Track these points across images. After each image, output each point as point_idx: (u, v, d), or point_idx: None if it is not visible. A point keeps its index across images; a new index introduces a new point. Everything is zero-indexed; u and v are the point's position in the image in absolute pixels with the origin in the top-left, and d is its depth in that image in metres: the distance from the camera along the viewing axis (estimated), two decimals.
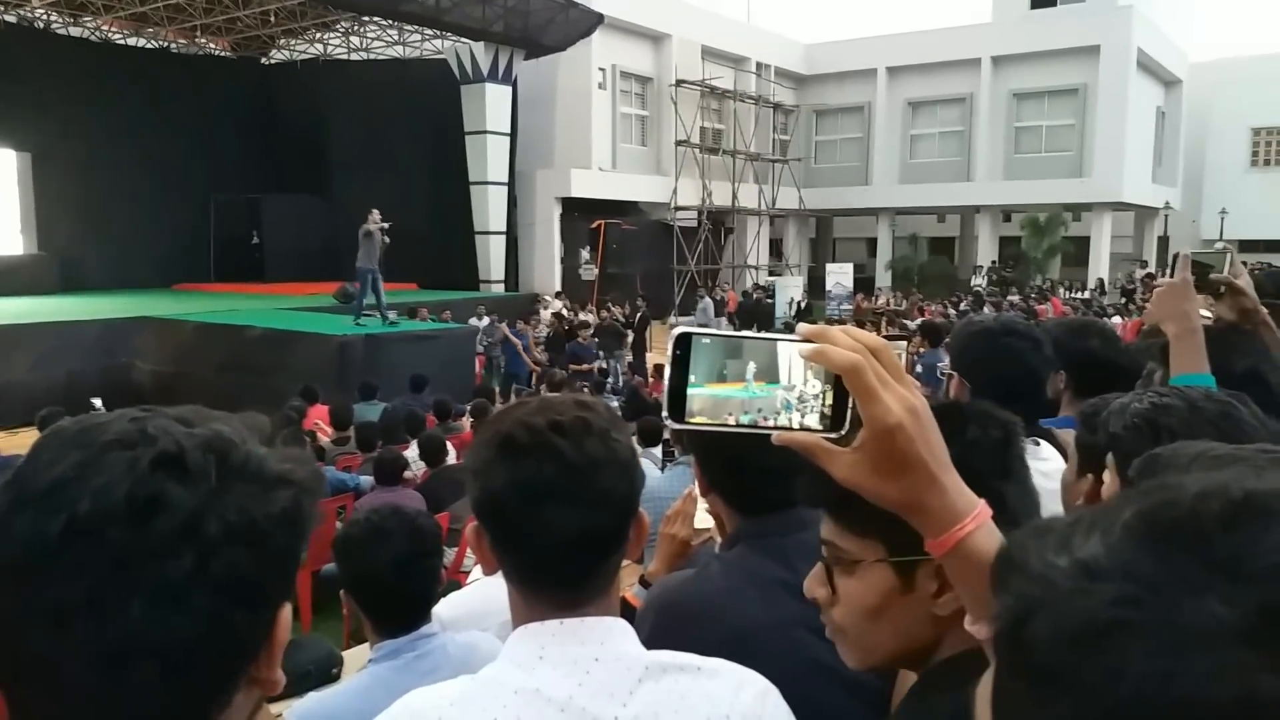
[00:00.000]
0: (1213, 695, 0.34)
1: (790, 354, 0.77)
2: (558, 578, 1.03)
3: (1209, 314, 2.02)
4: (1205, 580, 0.37)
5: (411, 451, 7.26)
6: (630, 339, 17.77)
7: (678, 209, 26.16)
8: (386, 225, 13.00)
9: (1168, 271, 1.93)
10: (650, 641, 1.08)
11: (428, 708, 1.01)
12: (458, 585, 3.11)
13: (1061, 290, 25.81)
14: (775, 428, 0.76)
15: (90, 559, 0.61)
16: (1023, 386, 1.93)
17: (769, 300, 23.99)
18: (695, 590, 1.42)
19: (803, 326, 0.79)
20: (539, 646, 1.01)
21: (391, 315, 13.65)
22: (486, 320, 16.07)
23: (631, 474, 1.05)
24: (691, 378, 0.76)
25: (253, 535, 0.65)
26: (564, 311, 19.50)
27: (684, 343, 0.76)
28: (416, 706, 1.02)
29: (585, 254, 24.34)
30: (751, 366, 0.77)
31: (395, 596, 1.88)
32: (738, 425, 0.76)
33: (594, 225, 24.44)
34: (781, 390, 0.76)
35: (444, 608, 2.12)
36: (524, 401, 1.12)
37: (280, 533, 0.67)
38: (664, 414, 0.77)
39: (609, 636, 1.03)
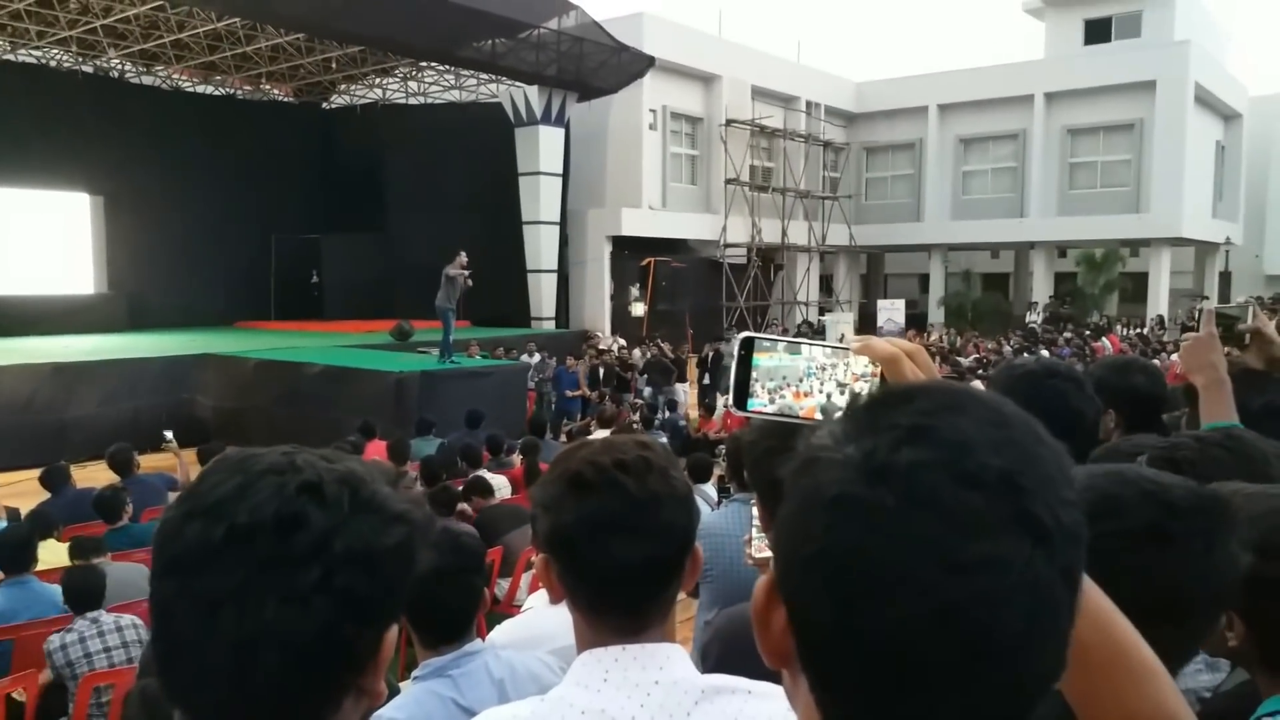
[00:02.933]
0: (832, 492, 0.56)
1: (828, 354, 0.92)
2: (621, 605, 1.11)
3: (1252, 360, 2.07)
4: (857, 434, 0.57)
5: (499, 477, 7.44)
6: (675, 375, 17.83)
7: (727, 246, 26.28)
8: (469, 272, 13.37)
9: (1195, 326, 2.01)
10: (717, 666, 1.15)
11: None
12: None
13: (1119, 327, 25.38)
14: (810, 420, 0.88)
15: (242, 561, 0.73)
16: (1069, 427, 1.97)
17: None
18: None
19: (852, 339, 0.91)
20: (603, 670, 1.09)
21: (452, 355, 13.94)
22: (538, 357, 16.28)
23: (689, 508, 1.13)
24: (753, 374, 0.90)
25: (370, 560, 0.76)
26: (614, 349, 19.67)
27: (748, 345, 0.91)
28: None
29: (635, 291, 24.54)
30: (781, 345, 0.92)
31: (435, 607, 1.95)
32: (779, 414, 0.90)
33: (644, 263, 24.65)
34: (804, 360, 0.91)
35: (498, 634, 2.21)
36: (588, 442, 1.20)
37: (393, 562, 0.78)
38: (729, 403, 0.90)
39: (668, 662, 1.10)
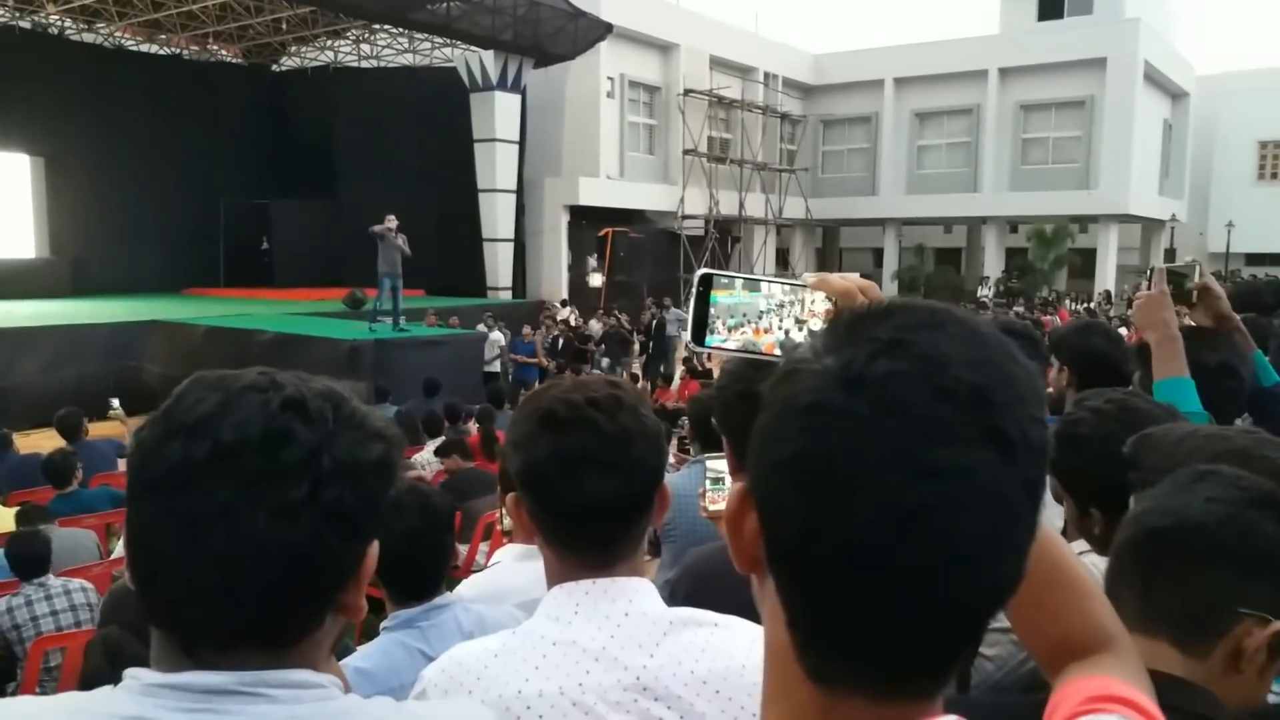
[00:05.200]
0: (807, 400, 0.56)
1: (787, 289, 0.94)
2: (592, 540, 1.13)
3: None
4: (837, 347, 0.58)
5: (423, 454, 7.37)
6: (635, 348, 17.87)
7: (685, 217, 26.27)
8: (394, 226, 13.00)
9: (1146, 285, 2.07)
10: (686, 602, 1.18)
11: (474, 658, 1.10)
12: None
13: (1068, 301, 25.89)
14: (771, 356, 0.91)
15: (229, 478, 0.73)
16: None
17: None
18: (725, 558, 1.51)
19: (808, 275, 0.93)
20: (574, 603, 1.10)
21: (403, 321, 13.76)
22: (508, 334, 16.20)
23: (659, 445, 1.14)
24: (711, 310, 0.91)
25: (355, 475, 0.77)
26: (571, 319, 19.62)
27: (706, 281, 0.92)
28: (462, 657, 1.11)
29: (592, 262, 24.46)
30: (739, 283, 0.93)
31: (407, 566, 1.96)
32: (740, 349, 0.92)
33: (601, 233, 24.56)
34: (762, 297, 0.92)
35: (465, 588, 2.22)
36: (559, 381, 1.21)
37: (374, 476, 0.79)
38: (688, 339, 0.92)
39: (637, 595, 1.12)
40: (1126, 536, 1.12)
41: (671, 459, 7.08)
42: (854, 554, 0.55)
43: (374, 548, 0.81)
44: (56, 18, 20.24)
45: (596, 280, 23.97)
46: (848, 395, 0.55)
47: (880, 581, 0.55)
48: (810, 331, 0.90)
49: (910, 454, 0.54)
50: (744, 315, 0.91)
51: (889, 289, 30.77)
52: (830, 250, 36.24)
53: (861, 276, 0.93)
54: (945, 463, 0.54)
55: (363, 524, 0.78)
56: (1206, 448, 1.24)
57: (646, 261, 25.33)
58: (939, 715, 0.60)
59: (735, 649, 1.12)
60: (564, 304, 21.72)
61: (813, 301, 0.92)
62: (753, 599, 0.67)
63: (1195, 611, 1.06)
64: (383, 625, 1.97)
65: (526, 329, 16.93)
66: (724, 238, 28.28)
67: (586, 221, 24.41)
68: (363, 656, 1.88)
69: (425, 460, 7.16)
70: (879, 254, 33.73)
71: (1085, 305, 24.56)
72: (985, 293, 27.84)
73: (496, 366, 15.27)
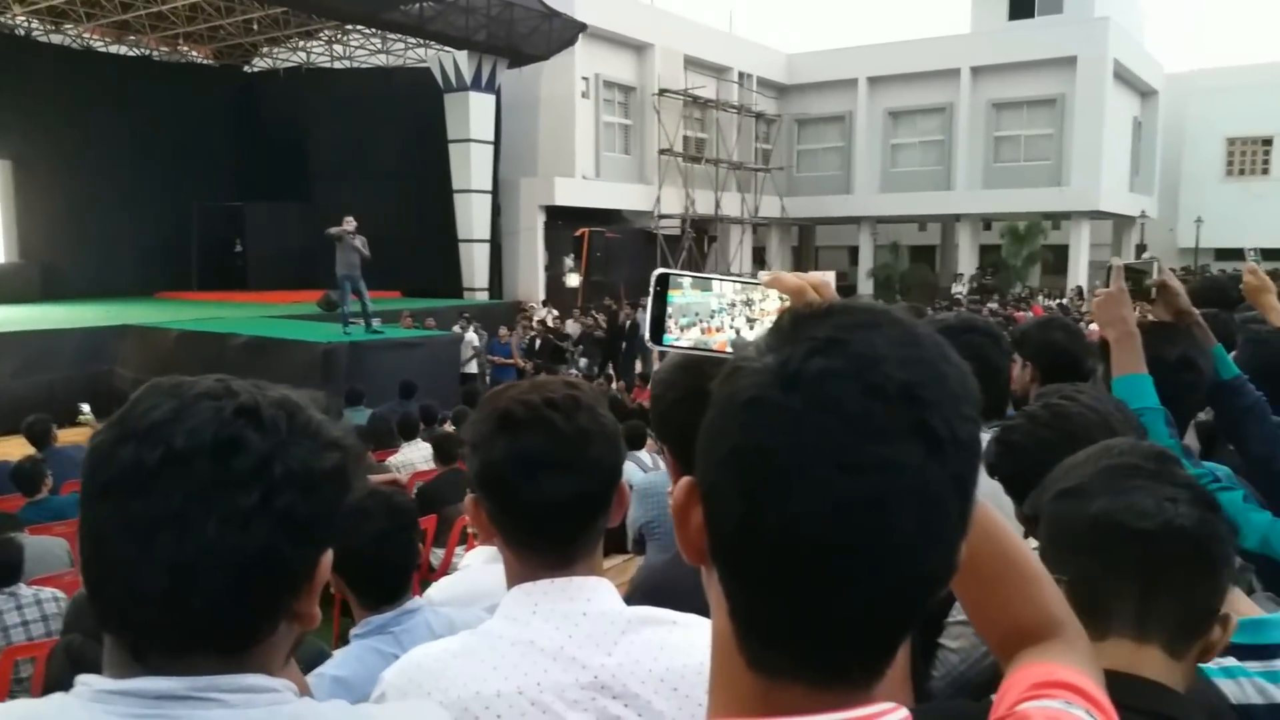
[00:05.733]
0: (747, 395, 0.59)
1: (740, 289, 0.95)
2: (550, 540, 1.13)
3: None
4: (778, 345, 0.61)
5: (398, 457, 7.35)
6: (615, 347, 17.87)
7: (661, 217, 26.28)
8: (351, 229, 12.65)
9: (1106, 282, 2.10)
10: None
11: (433, 659, 1.10)
12: None
13: (1041, 297, 26.11)
14: (723, 354, 0.91)
15: (180, 484, 0.74)
16: (984, 380, 2.05)
17: None
18: (675, 572, 1.53)
19: (763, 274, 0.94)
20: (532, 603, 1.11)
21: (376, 322, 13.65)
22: (484, 335, 16.15)
23: (617, 445, 1.15)
24: (668, 309, 0.92)
25: (308, 483, 0.77)
26: (548, 320, 19.60)
27: (663, 281, 0.93)
28: (420, 659, 1.12)
29: (569, 262, 24.42)
30: (688, 282, 0.93)
31: (376, 568, 1.97)
32: (693, 347, 0.92)
33: (578, 233, 24.52)
34: (714, 296, 0.93)
35: (436, 591, 2.22)
36: (516, 383, 1.22)
37: (328, 486, 0.79)
38: (646, 337, 0.93)
39: (595, 594, 1.13)
40: (1109, 537, 1.11)
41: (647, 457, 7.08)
42: (788, 545, 0.57)
43: (328, 556, 0.82)
44: (23, 18, 19.97)
45: (573, 280, 23.93)
46: (784, 392, 0.58)
47: (813, 572, 0.57)
48: (736, 343, 0.91)
49: (840, 449, 0.56)
50: (695, 314, 0.92)
51: (864, 287, 30.96)
52: (806, 249, 36.37)
53: (838, 274, 0.94)
54: (874, 457, 0.56)
55: (315, 532, 0.79)
56: (1081, 456, 1.27)
57: (623, 261, 25.30)
58: (874, 704, 0.61)
59: (693, 647, 1.12)
60: (544, 304, 21.68)
61: (764, 299, 0.93)
62: (703, 611, 0.68)
63: (1191, 618, 1.09)
64: (353, 632, 1.97)
65: (503, 330, 16.89)
66: (700, 237, 28.33)
67: (563, 222, 24.37)
68: (339, 665, 1.88)
69: (401, 463, 7.14)
70: (854, 252, 33.88)
71: (1058, 301, 24.78)
72: (960, 289, 28.02)
73: (474, 368, 15.24)
